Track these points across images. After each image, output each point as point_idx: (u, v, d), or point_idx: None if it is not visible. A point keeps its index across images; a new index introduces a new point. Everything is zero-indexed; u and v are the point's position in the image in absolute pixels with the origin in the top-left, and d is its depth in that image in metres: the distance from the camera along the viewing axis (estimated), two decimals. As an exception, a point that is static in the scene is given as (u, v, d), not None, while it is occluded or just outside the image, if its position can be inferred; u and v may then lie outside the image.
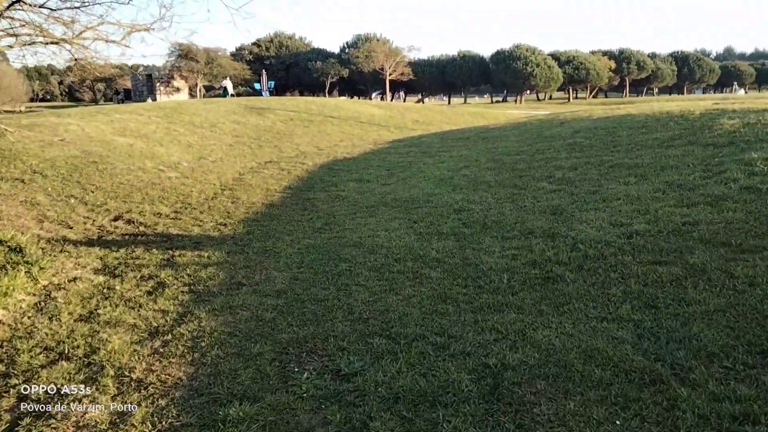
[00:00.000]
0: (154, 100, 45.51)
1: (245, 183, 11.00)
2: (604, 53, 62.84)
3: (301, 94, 60.97)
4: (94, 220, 7.96)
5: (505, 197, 6.91)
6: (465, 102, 62.53)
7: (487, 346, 3.26)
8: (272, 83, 40.20)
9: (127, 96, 59.03)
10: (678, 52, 70.03)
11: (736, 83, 71.69)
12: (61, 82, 72.80)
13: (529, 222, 5.68)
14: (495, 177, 8.26)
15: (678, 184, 6.07)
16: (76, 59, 7.65)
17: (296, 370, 3.34)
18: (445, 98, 78.29)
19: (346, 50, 60.37)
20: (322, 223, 7.15)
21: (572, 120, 12.87)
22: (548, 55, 57.44)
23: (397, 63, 53.92)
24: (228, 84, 38.13)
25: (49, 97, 70.88)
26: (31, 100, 68.15)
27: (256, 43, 62.05)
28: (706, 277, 3.64)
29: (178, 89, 50.81)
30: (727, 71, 73.10)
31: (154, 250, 6.49)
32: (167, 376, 3.48)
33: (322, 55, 60.65)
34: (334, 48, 72.71)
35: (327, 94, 57.98)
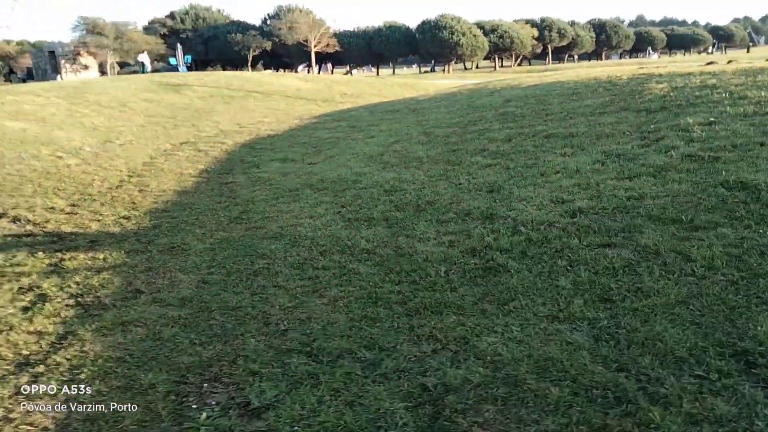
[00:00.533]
0: (60, 79, 41.93)
1: (156, 168, 9.97)
2: (527, 22, 63.81)
3: (224, 69, 58.14)
4: (-31, 220, 6.85)
5: (438, 174, 6.42)
6: (393, 73, 61.89)
7: (425, 360, 2.76)
8: (189, 58, 37.84)
9: (30, 76, 54.32)
10: (596, 20, 72.32)
11: (650, 48, 75.04)
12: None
13: (465, 202, 5.22)
14: (427, 152, 7.77)
15: (616, 154, 5.80)
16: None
17: (194, 407, 2.71)
18: (374, 69, 77.31)
19: (268, 22, 57.93)
20: (239, 212, 6.42)
21: (502, 89, 12.58)
22: (473, 24, 57.59)
23: (322, 34, 52.28)
24: (145, 58, 35.45)
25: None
26: None
27: (171, 16, 58.31)
28: (661, 261, 3.30)
29: (86, 67, 47.00)
30: (641, 37, 76.38)
31: (40, 253, 5.56)
32: (30, 428, 2.76)
33: (243, 27, 57.89)
34: (256, 20, 69.77)
35: (251, 68, 55.60)
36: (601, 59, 73.68)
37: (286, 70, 62.31)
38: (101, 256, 5.34)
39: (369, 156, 8.46)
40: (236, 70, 55.92)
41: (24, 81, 48.22)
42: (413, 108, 13.10)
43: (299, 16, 52.62)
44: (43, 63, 48.53)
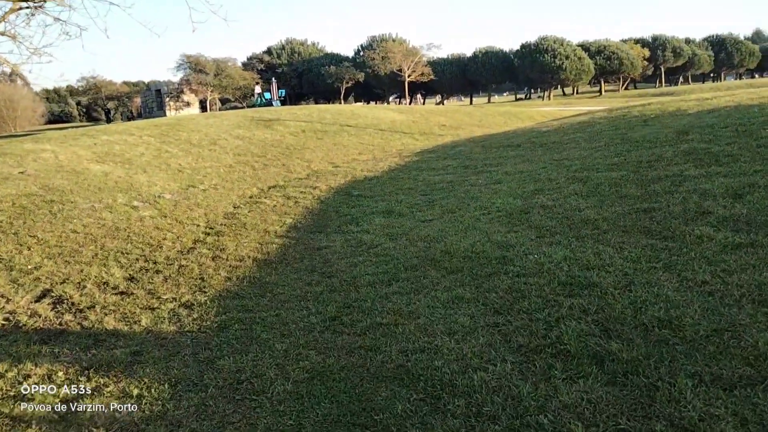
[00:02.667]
0: (164, 115, 43.61)
1: (238, 221, 8.36)
2: (637, 41, 58.85)
3: (316, 102, 58.61)
4: (8, 300, 5.43)
5: (643, 256, 4.08)
6: (489, 101, 59.29)
7: None
8: (283, 92, 37.76)
9: (132, 115, 57.55)
10: (713, 36, 65.52)
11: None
12: (78, 103, 72.26)
13: (743, 329, 2.88)
14: (598, 211, 5.44)
15: None
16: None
17: None
18: (465, 99, 75.28)
19: (361, 53, 57.73)
20: (337, 307, 4.44)
21: (655, 116, 9.96)
22: (577, 45, 53.81)
23: (416, 63, 50.95)
24: (257, 89, 35.30)
25: (66, 117, 70.23)
26: (49, 121, 67.50)
27: (268, 51, 59.87)
28: None
29: (188, 103, 48.85)
30: (768, 54, 68.53)
31: (61, 373, 3.88)
32: None
33: (336, 59, 58.11)
34: (348, 52, 70.41)
35: (342, 101, 55.46)
36: (719, 80, 66.69)
37: (378, 102, 61.84)
38: (135, 391, 3.51)
39: (506, 213, 6.25)
40: (328, 102, 56.09)
41: (128, 120, 50.99)
42: (539, 142, 10.75)
43: (393, 45, 51.68)
44: (151, 101, 51.14)
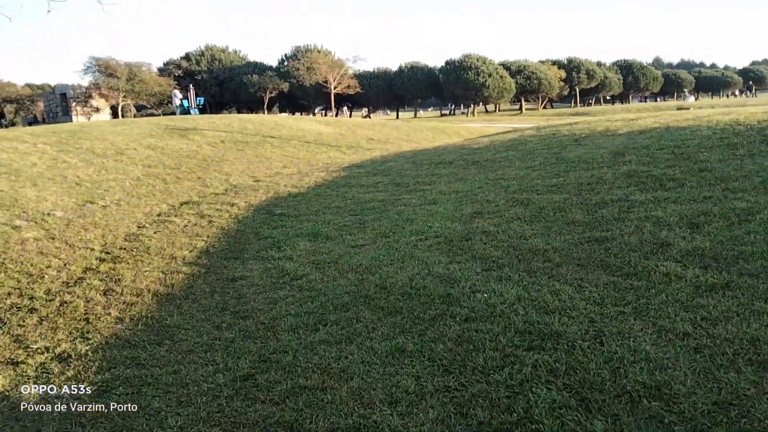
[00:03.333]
0: (70, 121, 40.27)
1: (141, 245, 7.28)
2: (554, 62, 61.58)
3: (238, 112, 56.64)
4: None
5: (611, 298, 3.59)
6: (415, 116, 59.70)
7: None
8: (201, 99, 35.87)
9: (35, 120, 53.25)
10: (622, 61, 70.04)
11: (686, 91, 72.26)
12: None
13: (748, 400, 2.39)
14: (546, 239, 4.97)
15: None
16: None
17: None
18: (391, 112, 75.65)
19: (285, 63, 56.42)
20: (251, 361, 3.63)
21: (587, 136, 9.87)
22: (499, 64, 55.40)
23: (342, 75, 50.35)
24: (177, 95, 32.91)
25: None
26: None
27: (186, 57, 57.17)
28: None
29: (97, 109, 45.46)
30: (669, 79, 73.91)
31: None
32: None
33: (259, 68, 56.40)
34: (272, 61, 68.95)
35: (266, 111, 53.90)
36: (627, 102, 71.16)
37: (303, 113, 60.74)
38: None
39: (445, 239, 5.69)
40: (251, 112, 54.31)
41: (30, 124, 46.85)
42: (471, 159, 10.40)
43: (318, 56, 50.75)
44: (55, 105, 47.22)
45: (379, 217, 7.34)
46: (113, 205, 9.94)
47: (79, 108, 43.99)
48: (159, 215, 9.35)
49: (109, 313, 4.93)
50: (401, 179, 10.04)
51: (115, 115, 45.29)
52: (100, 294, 5.46)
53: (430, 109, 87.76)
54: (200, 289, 5.41)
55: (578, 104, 67.18)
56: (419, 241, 5.76)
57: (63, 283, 5.91)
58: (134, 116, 47.73)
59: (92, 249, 7.18)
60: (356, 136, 22.96)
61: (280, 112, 60.68)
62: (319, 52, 54.28)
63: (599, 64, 66.18)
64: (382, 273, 4.92)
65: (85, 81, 45.27)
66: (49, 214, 8.78)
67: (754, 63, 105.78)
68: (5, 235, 7.50)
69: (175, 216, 9.11)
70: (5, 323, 4.85)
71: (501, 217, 5.99)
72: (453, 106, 70.80)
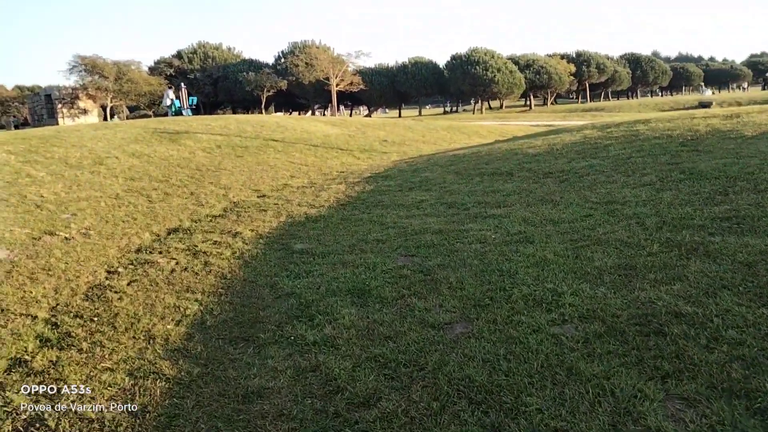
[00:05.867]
0: (56, 124, 37.85)
1: (107, 308, 5.01)
2: (562, 56, 59.08)
3: (234, 112, 54.25)
4: None
5: None
6: (420, 114, 57.23)
7: None
8: (194, 99, 33.41)
9: (26, 122, 50.98)
10: (629, 54, 67.61)
11: (702, 84, 70.02)
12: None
13: None
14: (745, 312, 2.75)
15: None
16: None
17: None
18: (389, 111, 73.33)
19: (282, 59, 53.91)
20: None
21: (697, 139, 7.64)
22: (507, 59, 52.89)
23: (344, 71, 47.82)
24: (170, 95, 30.21)
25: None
26: None
27: (177, 55, 54.59)
28: None
29: (85, 111, 42.95)
30: (678, 73, 71.59)
31: None
32: None
33: (255, 65, 53.92)
34: (268, 58, 66.50)
35: (263, 111, 51.47)
36: (636, 96, 68.91)
37: (301, 113, 58.38)
38: None
39: (603, 324, 3.44)
40: (247, 112, 51.95)
41: (17, 127, 44.45)
42: (540, 170, 8.15)
43: (318, 52, 48.15)
44: (40, 108, 44.73)
45: (451, 263, 5.08)
46: (79, 236, 7.64)
47: (65, 110, 41.53)
48: (139, 251, 7.06)
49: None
50: (451, 197, 7.78)
51: (105, 117, 42.84)
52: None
53: (428, 107, 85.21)
54: (192, 420, 3.14)
55: (589, 99, 64.81)
56: (555, 328, 3.50)
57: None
58: (126, 118, 45.39)
59: (34, 318, 4.89)
60: (367, 138, 20.68)
61: (276, 111, 58.27)
62: (317, 47, 51.76)
63: (608, 57, 63.79)
64: (523, 404, 2.67)
65: (71, 81, 42.76)
66: (-13, 255, 6.49)
67: (753, 56, 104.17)
68: None
69: (159, 253, 6.82)
70: None
71: (685, 282, 3.72)
72: (458, 103, 68.27)
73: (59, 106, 42.03)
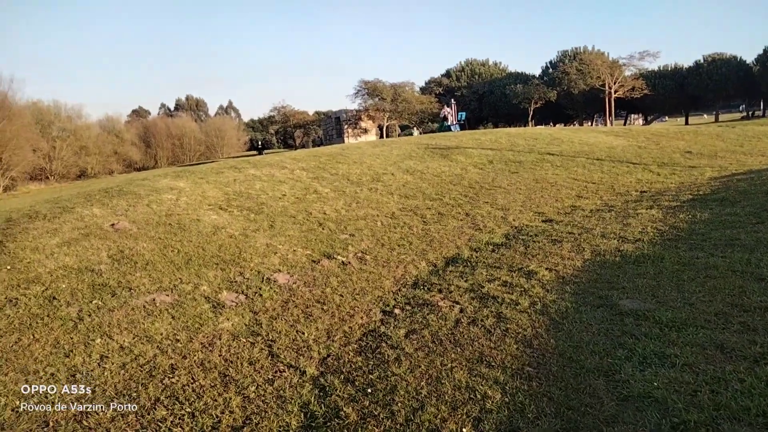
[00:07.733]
0: (342, 142, 42.39)
1: (383, 371, 3.90)
2: None
3: (495, 126, 53.61)
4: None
5: None
6: (717, 120, 48.04)
7: None
8: (463, 114, 33.41)
9: (321, 141, 58.63)
10: None
11: None
12: (277, 131, 78.15)
13: None
14: None
15: None
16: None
17: None
18: (667, 118, 63.92)
19: (550, 70, 51.17)
20: None
21: None
22: None
23: (622, 77, 42.76)
24: (446, 111, 31.36)
25: (266, 144, 75.90)
26: (252, 147, 73.13)
27: (446, 74, 56.47)
28: None
29: (365, 130, 47.32)
30: None
31: None
32: None
33: (522, 78, 52.38)
34: (535, 70, 64.23)
35: (529, 123, 49.56)
36: None
37: (567, 124, 54.71)
38: None
39: None
40: (509, 126, 50.71)
41: (318, 145, 51.51)
42: None
43: (593, 57, 44.11)
44: (331, 129, 50.88)
45: None
46: (356, 261, 7.00)
47: (350, 130, 46.24)
48: (415, 285, 6.00)
49: None
50: None
51: (381, 135, 46.46)
52: None
53: (715, 112, 71.28)
54: None
55: None
56: None
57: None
58: (398, 135, 48.52)
59: (302, 374, 4.03)
60: (663, 149, 17.13)
61: (537, 124, 55.56)
62: (591, 53, 47.59)
63: None
64: None
65: (356, 104, 47.54)
66: (268, 280, 6.16)
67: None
68: (195, 325, 4.91)
69: (439, 292, 5.62)
70: None
71: None
72: (765, 107, 55.43)
73: (345, 126, 47.00)
